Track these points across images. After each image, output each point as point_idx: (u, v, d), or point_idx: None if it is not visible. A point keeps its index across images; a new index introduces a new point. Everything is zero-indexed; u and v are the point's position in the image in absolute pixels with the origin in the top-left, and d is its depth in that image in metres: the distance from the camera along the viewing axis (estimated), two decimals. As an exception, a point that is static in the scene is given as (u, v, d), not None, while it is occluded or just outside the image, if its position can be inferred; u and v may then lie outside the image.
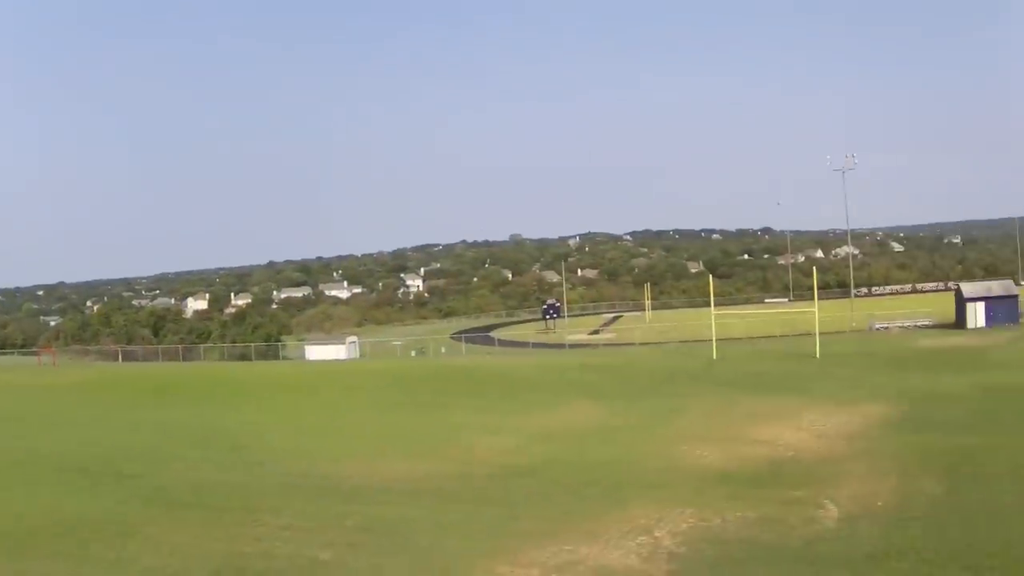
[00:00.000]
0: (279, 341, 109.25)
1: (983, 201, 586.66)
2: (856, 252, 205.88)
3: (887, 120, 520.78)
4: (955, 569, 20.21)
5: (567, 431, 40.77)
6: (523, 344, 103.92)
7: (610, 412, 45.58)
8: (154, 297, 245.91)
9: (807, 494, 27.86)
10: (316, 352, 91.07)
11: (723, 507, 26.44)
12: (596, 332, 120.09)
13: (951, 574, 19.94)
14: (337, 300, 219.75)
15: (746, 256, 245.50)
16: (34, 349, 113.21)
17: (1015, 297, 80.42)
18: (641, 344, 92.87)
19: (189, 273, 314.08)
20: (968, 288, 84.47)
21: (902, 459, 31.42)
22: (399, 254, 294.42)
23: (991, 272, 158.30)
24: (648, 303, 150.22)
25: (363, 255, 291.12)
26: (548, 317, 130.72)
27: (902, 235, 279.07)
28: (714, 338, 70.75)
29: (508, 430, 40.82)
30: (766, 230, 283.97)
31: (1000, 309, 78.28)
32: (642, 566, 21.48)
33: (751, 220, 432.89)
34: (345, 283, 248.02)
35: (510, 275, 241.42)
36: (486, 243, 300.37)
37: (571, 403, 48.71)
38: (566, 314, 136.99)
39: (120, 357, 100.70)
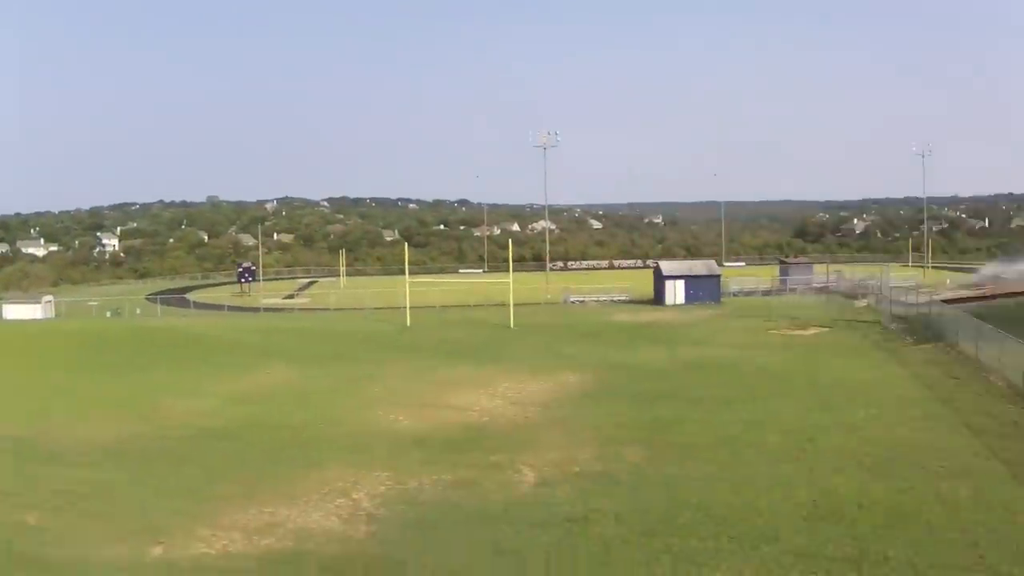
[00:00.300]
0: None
1: (688, 185, 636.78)
2: (553, 227, 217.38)
3: (593, 100, 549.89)
4: (660, 533, 22.30)
5: (263, 394, 42.47)
6: (218, 307, 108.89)
7: (305, 376, 47.95)
8: None
9: (503, 459, 29.65)
10: (12, 311, 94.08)
11: (419, 471, 28.13)
12: (291, 296, 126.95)
13: (654, 539, 21.95)
14: (34, 258, 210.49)
15: (442, 227, 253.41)
16: None
17: (717, 277, 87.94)
18: (336, 310, 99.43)
19: None
20: (667, 266, 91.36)
21: (600, 428, 34.00)
22: (96, 212, 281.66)
23: (693, 253, 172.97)
24: (343, 269, 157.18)
25: (60, 212, 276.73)
26: (243, 280, 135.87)
27: (601, 213, 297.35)
28: (408, 305, 72.02)
29: (205, 392, 42.69)
30: (463, 202, 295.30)
31: (702, 288, 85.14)
32: (342, 528, 22.86)
33: (448, 192, 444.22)
34: (42, 240, 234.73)
35: (206, 237, 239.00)
36: (184, 203, 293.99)
37: (267, 366, 50.93)
38: (261, 278, 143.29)
39: None
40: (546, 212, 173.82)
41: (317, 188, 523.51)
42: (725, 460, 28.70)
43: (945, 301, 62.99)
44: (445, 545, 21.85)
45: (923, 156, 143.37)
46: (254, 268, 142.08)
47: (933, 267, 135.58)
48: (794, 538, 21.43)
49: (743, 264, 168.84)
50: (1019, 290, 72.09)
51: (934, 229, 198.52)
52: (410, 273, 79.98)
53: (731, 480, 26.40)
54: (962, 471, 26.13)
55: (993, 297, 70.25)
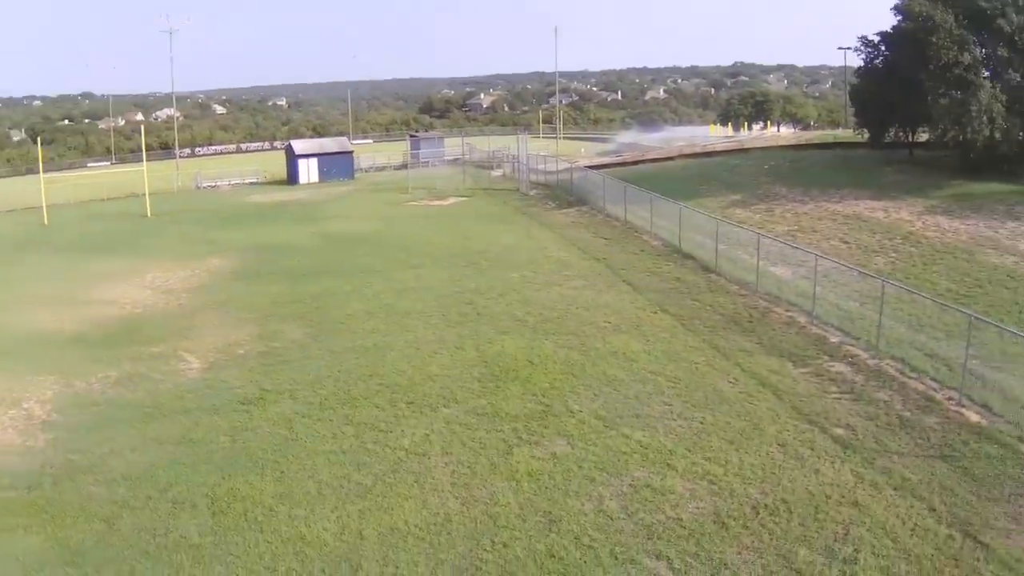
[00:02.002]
0: None
1: (313, 67, 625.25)
2: (178, 115, 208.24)
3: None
4: (337, 405, 22.76)
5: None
6: None
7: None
8: None
9: (166, 349, 28.75)
10: None
11: (84, 370, 26.83)
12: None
13: (333, 411, 22.38)
14: None
15: (67, 121, 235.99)
16: None
17: (350, 153, 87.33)
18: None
19: None
20: (299, 145, 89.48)
21: (256, 308, 33.73)
22: None
23: (320, 133, 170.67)
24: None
25: None
26: None
27: (225, 98, 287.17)
28: (44, 203, 66.14)
29: None
30: (87, 95, 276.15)
31: (335, 165, 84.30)
32: (21, 440, 21.84)
33: (71, 85, 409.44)
34: None
35: None
36: None
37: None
38: None
39: None
40: (173, 100, 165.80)
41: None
42: (388, 329, 29.42)
43: (589, 168, 66.12)
44: (127, 444, 21.00)
45: (555, 32, 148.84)
46: None
47: (565, 138, 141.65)
48: (473, 399, 22.61)
49: (371, 141, 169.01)
50: (658, 156, 76.95)
51: (564, 102, 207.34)
52: (43, 171, 73.20)
53: (398, 348, 27.20)
54: (632, 325, 28.47)
55: (634, 163, 74.37)
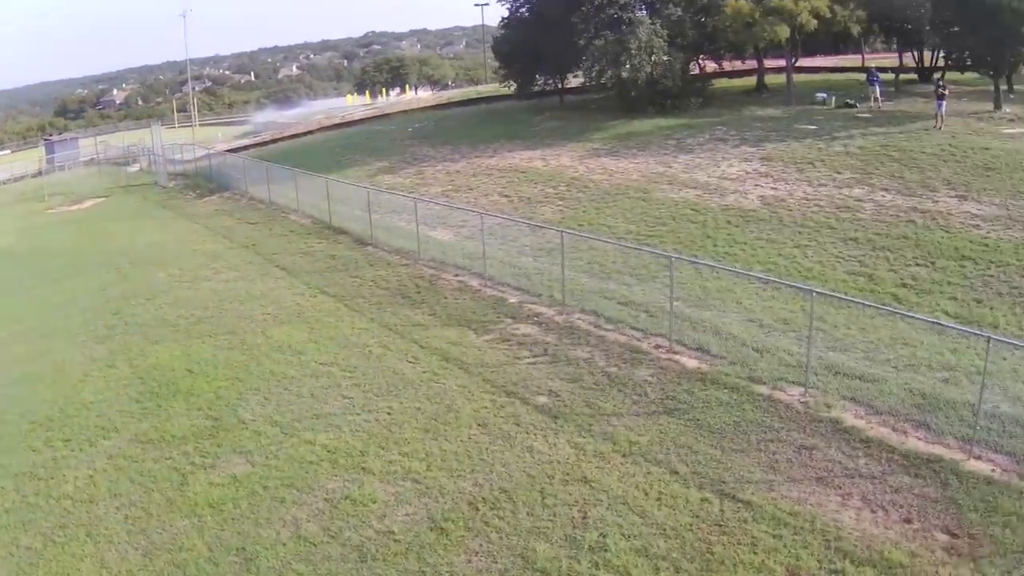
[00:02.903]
0: None
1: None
2: None
3: None
4: None
5: None
6: None
7: None
8: None
9: None
10: None
11: None
12: None
13: None
14: None
15: None
16: None
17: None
18: None
19: None
20: None
21: None
22: None
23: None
24: None
25: None
26: None
27: None
28: None
29: None
30: None
31: None
32: None
33: None
34: None
35: None
36: None
37: None
38: None
39: None
40: None
41: None
42: (31, 355, 25.45)
43: (228, 152, 63.30)
44: None
45: (184, 16, 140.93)
46: None
47: (202, 125, 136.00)
48: (134, 425, 19.45)
49: (8, 152, 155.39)
50: (297, 132, 74.68)
51: (198, 89, 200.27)
52: None
53: (45, 376, 23.39)
54: (293, 314, 26.18)
55: (273, 141, 71.91)
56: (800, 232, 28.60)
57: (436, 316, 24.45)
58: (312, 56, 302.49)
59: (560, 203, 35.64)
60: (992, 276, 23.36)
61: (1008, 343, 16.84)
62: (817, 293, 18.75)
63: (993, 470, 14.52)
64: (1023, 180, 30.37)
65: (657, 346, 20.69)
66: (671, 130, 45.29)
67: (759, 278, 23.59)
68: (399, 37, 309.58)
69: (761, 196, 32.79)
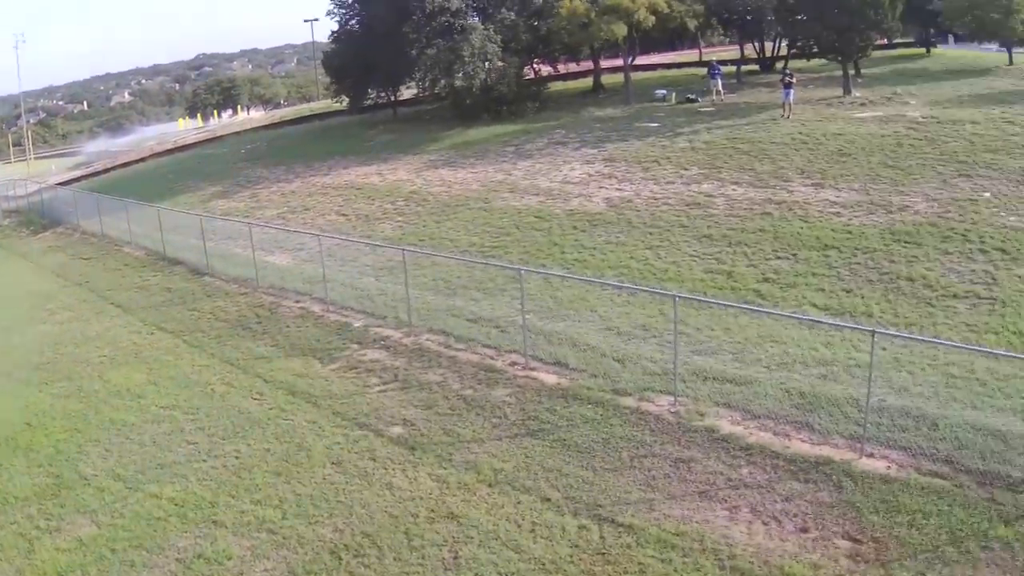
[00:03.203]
0: None
1: None
2: None
3: None
4: None
5: None
6: None
7: None
8: None
9: None
10: None
11: None
12: None
13: None
14: None
15: None
16: None
17: None
18: None
19: None
20: None
21: None
22: None
23: None
24: None
25: None
26: None
27: None
28: None
29: None
30: None
31: None
32: None
33: None
34: None
35: None
36: None
37: None
38: None
39: None
40: None
41: None
42: None
43: (60, 185, 60.26)
44: None
45: (16, 47, 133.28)
46: None
47: (37, 158, 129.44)
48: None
49: None
50: (129, 160, 71.78)
51: (32, 121, 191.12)
52: None
53: None
54: (130, 355, 24.42)
55: (106, 171, 68.82)
56: (651, 233, 28.37)
57: (279, 347, 23.19)
58: (144, 81, 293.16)
59: (399, 219, 34.81)
60: (859, 264, 23.44)
61: (891, 335, 16.87)
62: (680, 297, 18.42)
63: (888, 467, 13.94)
64: (881, 163, 30.81)
65: (512, 363, 19.87)
66: (509, 137, 44.85)
67: (613, 285, 23.01)
68: (230, 58, 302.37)
69: (607, 198, 32.59)
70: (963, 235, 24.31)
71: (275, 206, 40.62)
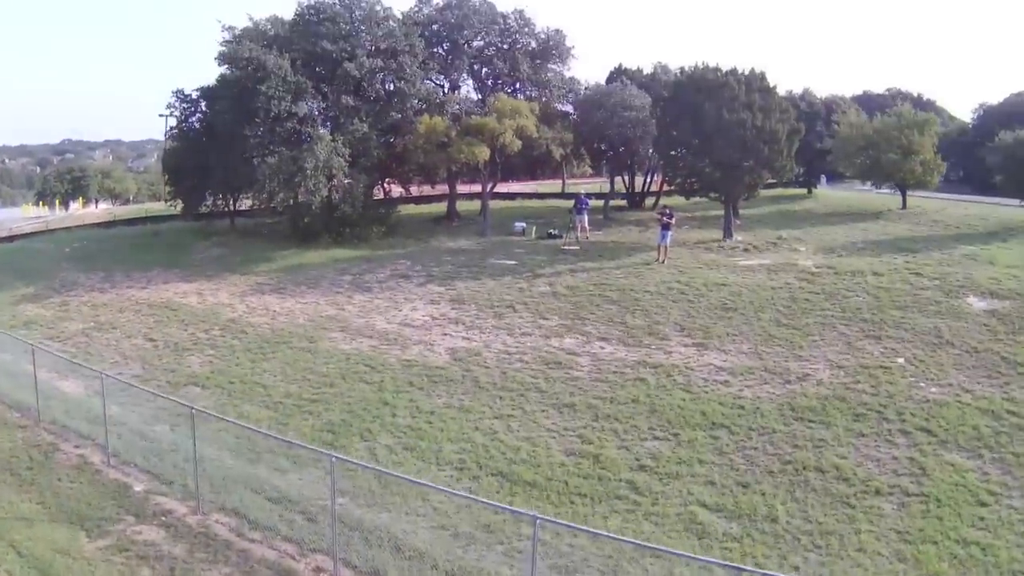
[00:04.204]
0: None
1: None
2: None
3: None
4: None
5: None
6: None
7: None
8: None
9: None
10: None
11: None
12: None
13: None
14: None
15: None
16: None
17: None
18: None
19: None
20: None
21: None
22: None
23: None
24: None
25: None
26: None
27: None
28: None
29: None
30: None
31: None
32: None
33: None
34: None
35: None
36: None
37: None
38: None
39: None
40: None
41: None
42: None
43: None
44: None
45: None
46: None
47: None
48: None
49: None
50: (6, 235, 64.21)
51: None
52: None
53: None
54: None
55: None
56: (501, 397, 23.67)
57: (46, 506, 17.63)
58: (7, 161, 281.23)
59: (211, 352, 29.44)
60: (756, 449, 19.33)
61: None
62: (541, 519, 12.76)
63: None
64: (773, 321, 27.32)
65: (317, 570, 14.82)
66: (348, 263, 40.48)
67: (446, 492, 16.82)
68: (93, 147, 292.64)
69: (451, 348, 28.03)
70: (879, 411, 20.72)
71: (83, 319, 34.62)
